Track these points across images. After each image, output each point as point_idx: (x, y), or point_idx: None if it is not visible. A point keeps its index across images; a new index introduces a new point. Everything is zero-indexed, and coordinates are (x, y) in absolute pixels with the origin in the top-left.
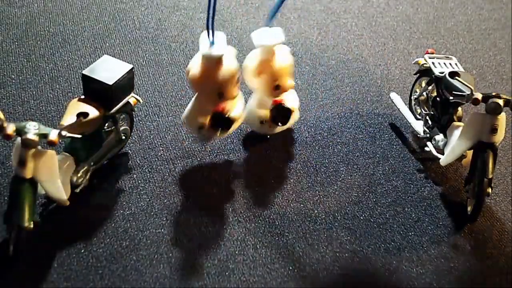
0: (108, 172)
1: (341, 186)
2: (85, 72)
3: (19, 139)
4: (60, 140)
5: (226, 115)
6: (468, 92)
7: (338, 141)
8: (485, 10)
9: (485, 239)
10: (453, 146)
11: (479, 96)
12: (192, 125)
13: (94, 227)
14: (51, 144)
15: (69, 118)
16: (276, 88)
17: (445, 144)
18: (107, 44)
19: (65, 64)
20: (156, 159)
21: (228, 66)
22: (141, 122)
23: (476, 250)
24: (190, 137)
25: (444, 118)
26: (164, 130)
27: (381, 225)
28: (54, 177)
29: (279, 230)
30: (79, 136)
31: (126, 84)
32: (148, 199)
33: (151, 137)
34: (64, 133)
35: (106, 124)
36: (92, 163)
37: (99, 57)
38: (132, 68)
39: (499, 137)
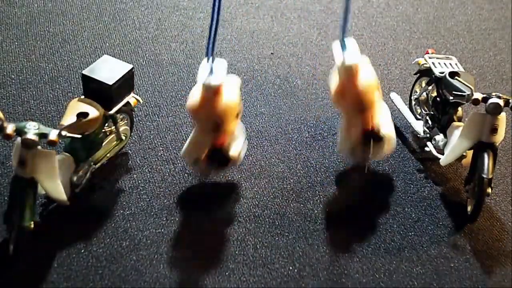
0: (108, 172)
1: (341, 186)
2: (85, 72)
3: (19, 139)
4: (60, 140)
5: (223, 153)
6: (468, 92)
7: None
8: (485, 10)
9: (485, 239)
10: (453, 146)
11: (479, 96)
12: (188, 158)
13: (94, 227)
14: (51, 144)
15: (69, 118)
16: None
17: (445, 144)
18: (107, 44)
19: (65, 64)
20: (156, 159)
21: (228, 97)
22: (141, 122)
23: (476, 250)
24: None
25: (444, 118)
26: (164, 130)
27: (381, 225)
28: (54, 177)
29: (279, 230)
30: (79, 136)
31: (126, 84)
32: (148, 199)
33: (151, 137)
34: (64, 133)
35: (106, 124)
36: (92, 163)
37: (99, 57)
38: (132, 68)
39: (499, 137)
